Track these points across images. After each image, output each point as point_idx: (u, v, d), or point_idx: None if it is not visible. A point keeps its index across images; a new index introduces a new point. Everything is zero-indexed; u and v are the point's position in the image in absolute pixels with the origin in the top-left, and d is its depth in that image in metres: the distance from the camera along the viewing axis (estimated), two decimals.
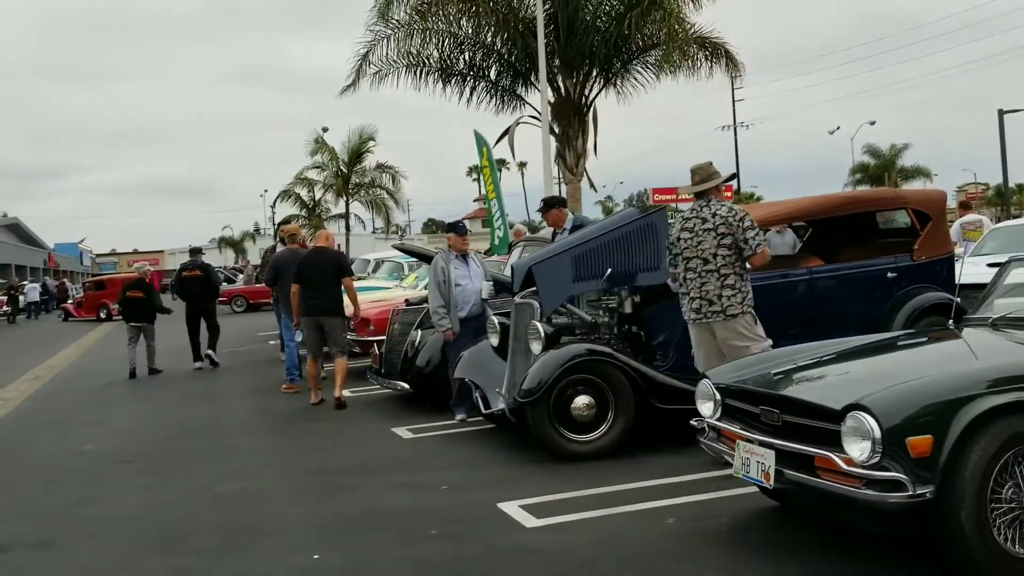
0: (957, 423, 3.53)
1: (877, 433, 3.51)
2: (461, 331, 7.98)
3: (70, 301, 35.82)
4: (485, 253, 20.30)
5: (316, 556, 4.62)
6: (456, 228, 8.40)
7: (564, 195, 19.63)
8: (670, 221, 6.27)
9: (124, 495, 6.29)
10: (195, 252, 14.54)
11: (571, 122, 18.60)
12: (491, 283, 8.07)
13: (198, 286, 13.57)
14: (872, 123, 59.11)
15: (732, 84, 45.58)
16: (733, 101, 48.07)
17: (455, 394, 7.85)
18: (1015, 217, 31.84)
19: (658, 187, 46.66)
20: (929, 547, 3.76)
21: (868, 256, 7.40)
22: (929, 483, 3.49)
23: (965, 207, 18.34)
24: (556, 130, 18.54)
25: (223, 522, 5.43)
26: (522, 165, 70.08)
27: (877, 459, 3.53)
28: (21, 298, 36.78)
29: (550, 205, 8.94)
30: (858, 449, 3.58)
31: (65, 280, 47.36)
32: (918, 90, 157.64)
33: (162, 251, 73.25)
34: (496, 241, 20.22)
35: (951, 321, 4.96)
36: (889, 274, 7.17)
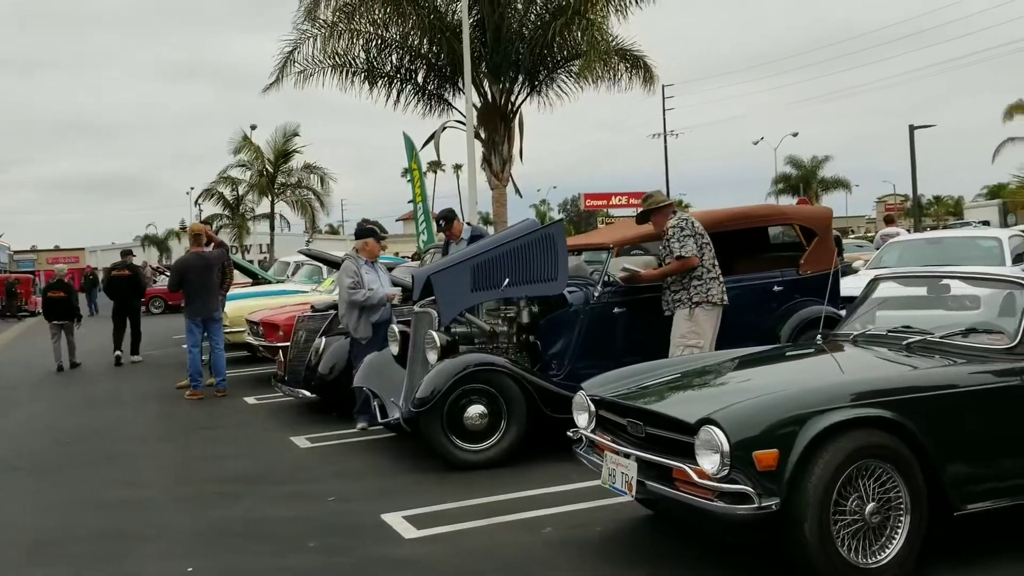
0: (802, 437, 3.67)
1: (726, 447, 3.64)
2: (372, 337, 7.97)
3: None
4: (412, 257, 20.33)
5: (190, 569, 4.58)
6: (374, 234, 8.39)
7: (491, 200, 19.78)
8: (688, 220, 6.71)
9: (7, 502, 6.15)
10: (125, 253, 15.96)
11: (497, 127, 18.69)
12: (399, 289, 8.08)
13: (126, 285, 14.58)
14: (795, 134, 60.56)
15: (663, 93, 46.40)
16: (663, 110, 48.89)
17: (358, 402, 7.84)
18: (929, 229, 33.03)
19: (590, 192, 47.19)
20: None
21: (759, 270, 7.63)
22: (775, 495, 3.63)
23: (889, 221, 19.46)
24: (482, 135, 18.63)
25: (102, 530, 5.36)
26: (457, 167, 70.02)
27: (726, 472, 3.66)
28: None
29: (451, 219, 9.01)
30: (709, 462, 3.70)
31: None
32: (843, 102, 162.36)
33: (83, 248, 71.14)
34: (422, 244, 20.21)
35: (819, 336, 5.15)
36: (775, 287, 7.40)
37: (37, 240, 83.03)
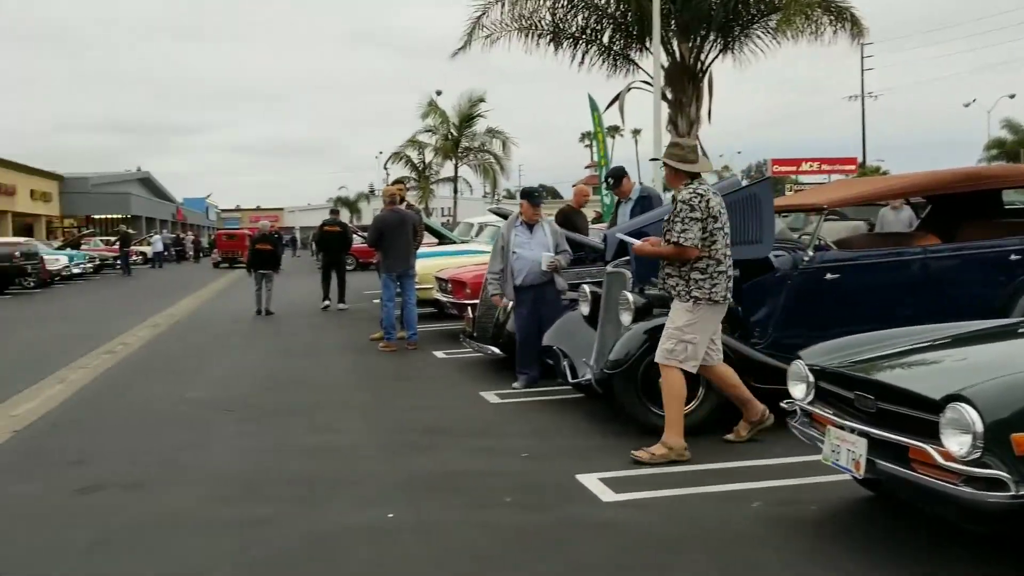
0: None
1: (979, 427, 3.24)
2: (518, 300, 7.92)
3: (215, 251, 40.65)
4: (592, 221, 20.14)
5: (390, 515, 4.63)
6: (529, 196, 8.19)
7: None
8: (703, 197, 5.54)
9: (219, 442, 6.47)
10: (333, 212, 18.23)
11: (684, 88, 18.07)
12: (552, 255, 7.84)
13: (336, 240, 16.40)
14: (1012, 96, 55.26)
15: (861, 52, 43.61)
16: (862, 70, 45.97)
17: (518, 361, 7.93)
18: None
19: (778, 158, 45.19)
20: None
21: (991, 236, 6.89)
22: None
23: None
24: (669, 96, 18.08)
25: (305, 474, 5.53)
26: (636, 132, 68.92)
27: (978, 455, 3.26)
28: (147, 249, 39.49)
29: (620, 177, 8.71)
30: (957, 443, 3.31)
31: (189, 232, 50.21)
32: None
33: (282, 208, 75.66)
34: (603, 208, 19.96)
35: None
36: (1013, 256, 6.65)
37: (241, 200, 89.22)
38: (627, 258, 6.69)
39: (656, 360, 5.56)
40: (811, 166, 40.26)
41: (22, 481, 5.53)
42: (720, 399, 6.03)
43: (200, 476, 5.55)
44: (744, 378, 6.02)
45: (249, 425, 7.00)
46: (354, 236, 21.26)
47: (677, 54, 17.91)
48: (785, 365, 5.52)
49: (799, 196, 8.82)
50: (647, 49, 17.90)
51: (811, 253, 6.42)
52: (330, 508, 4.83)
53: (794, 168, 42.06)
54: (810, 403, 4.31)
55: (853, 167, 42.16)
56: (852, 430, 3.87)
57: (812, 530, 4.28)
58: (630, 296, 6.39)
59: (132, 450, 6.27)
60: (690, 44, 17.76)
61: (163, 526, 4.59)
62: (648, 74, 17.81)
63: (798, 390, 4.39)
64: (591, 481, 5.06)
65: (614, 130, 69.91)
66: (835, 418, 4.03)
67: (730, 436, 5.85)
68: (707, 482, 4.98)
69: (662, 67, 17.45)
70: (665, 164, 5.77)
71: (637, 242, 6.06)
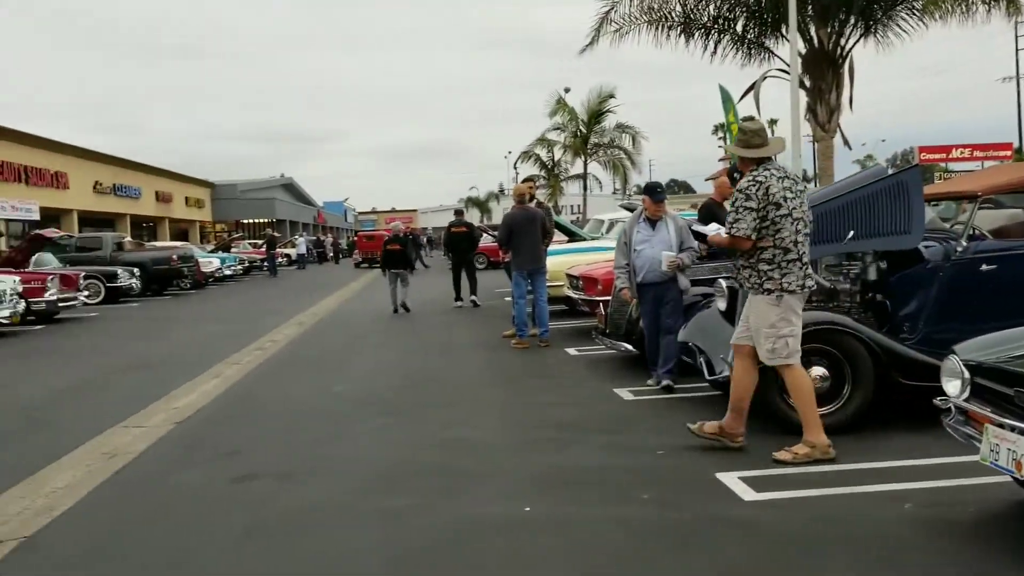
0: None
1: None
2: (641, 298, 7.79)
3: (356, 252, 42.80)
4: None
5: (527, 508, 4.68)
6: (652, 191, 7.93)
7: (815, 153, 18.62)
8: (763, 184, 5.26)
9: (361, 435, 6.71)
10: (459, 213, 18.54)
11: (824, 75, 17.46)
12: (673, 254, 7.55)
13: (463, 240, 16.97)
14: None
15: (1015, 31, 40.87)
16: (1016, 50, 42.99)
17: (648, 358, 7.86)
18: None
19: (925, 145, 42.88)
20: None
21: None
22: None
23: None
24: (806, 84, 17.50)
25: (444, 466, 5.65)
26: (772, 122, 66.78)
27: None
28: (292, 251, 41.65)
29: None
30: None
31: (329, 235, 52.45)
32: None
33: (415, 210, 77.71)
34: None
35: None
36: None
37: (376, 202, 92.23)
38: None
39: (764, 362, 5.39)
40: (962, 153, 37.96)
41: (183, 470, 5.90)
42: (867, 396, 5.80)
43: (345, 468, 5.76)
44: (891, 374, 5.78)
45: (389, 420, 7.22)
46: (483, 235, 21.66)
47: (815, 40, 17.33)
48: (937, 361, 5.29)
49: (950, 183, 8.32)
50: (783, 36, 17.40)
51: (965, 243, 6.08)
52: (467, 501, 4.92)
53: (943, 155, 39.78)
54: (966, 400, 4.08)
55: (1008, 153, 39.53)
56: (1012, 428, 3.64)
57: (967, 533, 4.06)
58: None
59: (281, 442, 6.58)
60: (829, 29, 17.15)
61: (312, 515, 4.79)
62: (784, 62, 17.32)
63: (953, 387, 4.17)
64: (731, 480, 4.96)
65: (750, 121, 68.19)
66: (994, 416, 3.80)
67: (692, 426, 5.70)
68: (853, 482, 4.79)
69: (799, 54, 16.91)
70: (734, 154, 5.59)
71: (712, 230, 5.85)
